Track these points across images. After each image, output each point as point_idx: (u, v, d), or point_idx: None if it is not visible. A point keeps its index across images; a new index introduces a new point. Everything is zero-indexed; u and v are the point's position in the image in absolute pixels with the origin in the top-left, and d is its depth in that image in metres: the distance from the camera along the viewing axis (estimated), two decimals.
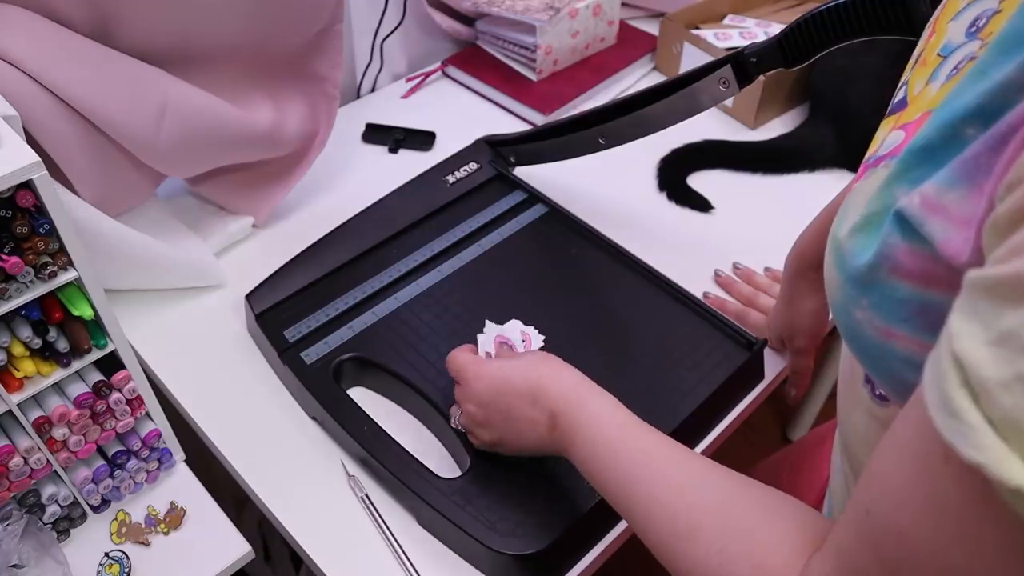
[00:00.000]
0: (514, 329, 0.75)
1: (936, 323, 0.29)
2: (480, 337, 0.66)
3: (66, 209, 0.51)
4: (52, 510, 0.62)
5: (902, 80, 0.42)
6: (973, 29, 0.37)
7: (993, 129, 0.28)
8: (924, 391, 0.27)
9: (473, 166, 0.91)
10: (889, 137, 0.38)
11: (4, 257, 0.49)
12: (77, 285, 0.55)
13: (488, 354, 0.66)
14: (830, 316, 0.74)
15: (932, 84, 0.38)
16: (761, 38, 0.76)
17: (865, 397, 0.43)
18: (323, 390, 0.70)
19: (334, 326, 0.76)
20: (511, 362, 0.59)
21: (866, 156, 0.40)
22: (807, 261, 0.70)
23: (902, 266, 0.32)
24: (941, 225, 0.29)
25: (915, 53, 0.43)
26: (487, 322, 0.68)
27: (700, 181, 0.98)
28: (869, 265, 0.33)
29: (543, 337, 0.74)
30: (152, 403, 0.65)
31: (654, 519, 0.45)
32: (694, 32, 1.12)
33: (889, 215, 0.33)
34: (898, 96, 0.41)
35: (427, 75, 1.15)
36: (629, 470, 0.48)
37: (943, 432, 0.25)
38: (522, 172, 0.94)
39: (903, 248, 0.31)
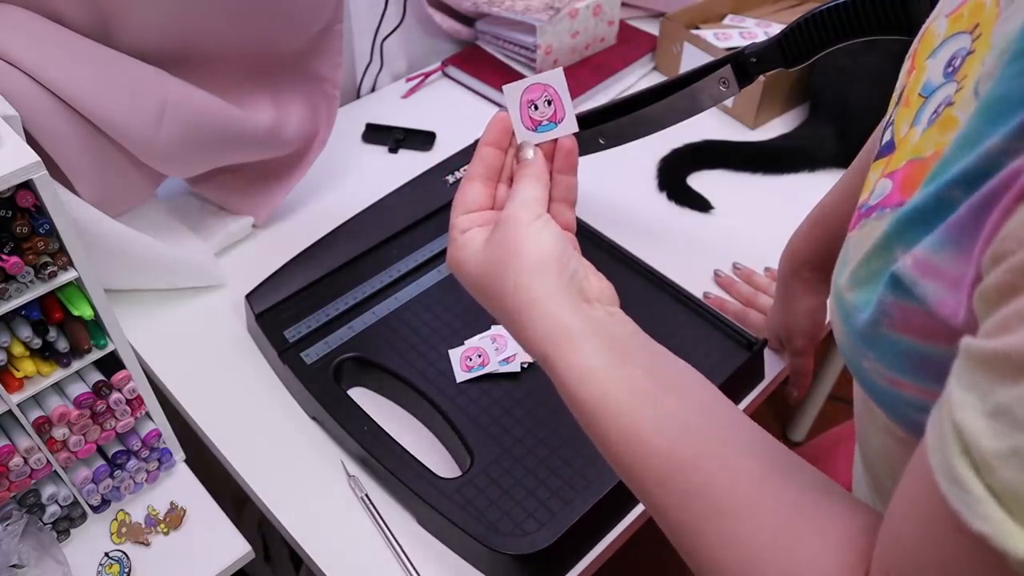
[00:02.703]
0: None
1: (940, 373, 0.29)
2: (507, 91, 0.47)
3: (66, 209, 0.51)
4: (52, 510, 0.62)
5: (888, 119, 0.42)
6: (950, 70, 0.36)
7: (978, 193, 0.28)
8: (929, 455, 0.27)
9: None
10: (879, 185, 0.38)
11: (4, 257, 0.49)
12: (77, 285, 0.55)
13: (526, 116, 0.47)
14: (827, 318, 0.74)
15: (916, 127, 0.37)
16: (761, 38, 0.76)
17: (881, 416, 0.42)
18: (323, 390, 0.70)
19: (334, 326, 0.76)
20: (491, 275, 0.45)
21: (859, 203, 0.40)
22: (800, 261, 0.70)
23: (899, 322, 0.32)
24: (933, 287, 0.30)
25: (898, 88, 0.42)
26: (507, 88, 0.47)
27: (700, 181, 0.98)
28: (869, 322, 0.33)
29: None
30: (152, 403, 0.65)
31: (658, 504, 0.39)
32: (694, 32, 1.12)
33: (885, 271, 0.33)
34: (885, 138, 0.41)
35: (427, 75, 1.15)
36: (619, 452, 0.40)
37: (949, 499, 0.25)
38: None
39: (897, 306, 0.32)
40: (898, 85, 0.42)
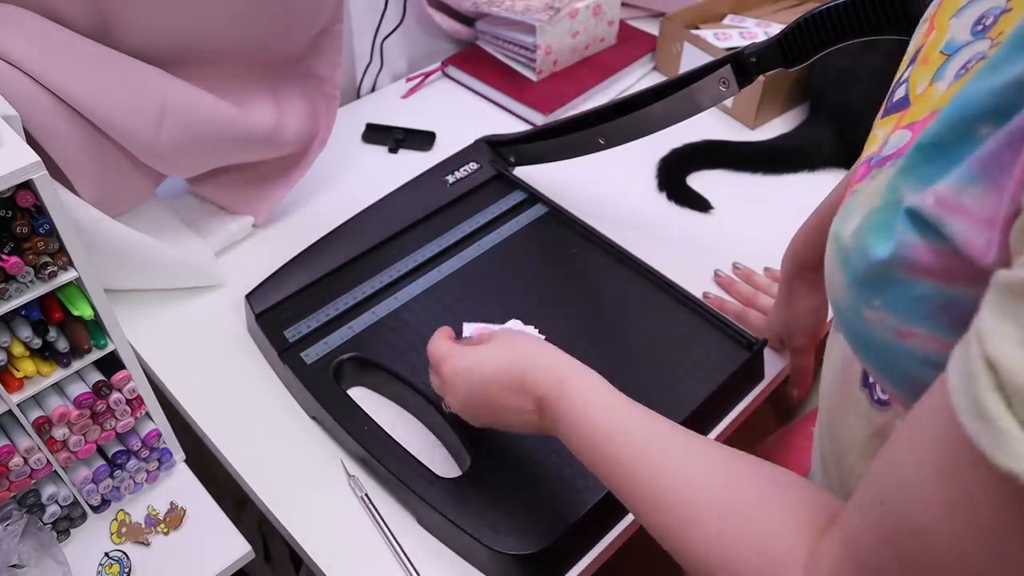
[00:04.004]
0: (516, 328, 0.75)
1: (959, 320, 0.29)
2: (465, 327, 0.64)
3: (66, 209, 0.51)
4: (52, 510, 0.62)
5: (900, 78, 0.42)
6: (980, 28, 0.36)
7: (1010, 125, 0.27)
8: (951, 395, 0.26)
9: (473, 166, 0.91)
10: (894, 137, 0.38)
11: (4, 257, 0.49)
12: (77, 285, 0.55)
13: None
14: (830, 316, 0.74)
15: (938, 83, 0.37)
16: (761, 38, 0.76)
17: (862, 402, 0.42)
18: (323, 390, 0.70)
19: (334, 326, 0.76)
20: (489, 352, 0.56)
21: (866, 155, 0.40)
22: (802, 261, 0.70)
23: (921, 264, 0.31)
24: (961, 225, 0.29)
25: (911, 49, 0.42)
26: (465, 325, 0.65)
27: (700, 181, 0.98)
28: (883, 264, 0.33)
29: (543, 337, 0.74)
30: (152, 403, 0.65)
31: (650, 507, 0.44)
32: (694, 32, 1.12)
33: (899, 213, 0.32)
34: (897, 95, 0.41)
35: (427, 75, 1.15)
36: (619, 457, 0.46)
37: (975, 438, 0.25)
38: (522, 172, 0.94)
39: (921, 247, 0.31)
40: (911, 46, 0.42)
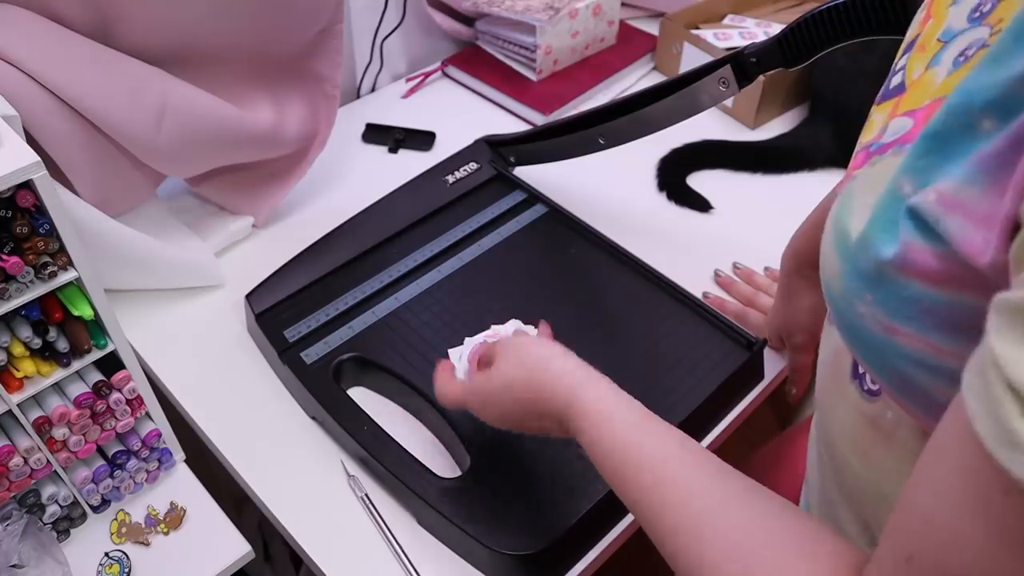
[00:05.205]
0: (514, 329, 0.75)
1: (945, 324, 0.28)
2: (452, 352, 0.64)
3: (66, 209, 0.51)
4: (52, 510, 0.62)
5: (897, 65, 0.42)
6: (977, 15, 0.36)
7: (1014, 125, 0.27)
8: (975, 426, 0.25)
9: (473, 166, 0.91)
10: (893, 123, 0.37)
11: (4, 257, 0.49)
12: (77, 285, 0.55)
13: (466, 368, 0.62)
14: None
15: (935, 69, 0.37)
16: (761, 38, 0.76)
17: (852, 393, 0.42)
18: (323, 390, 0.70)
19: (334, 326, 0.76)
20: (501, 383, 0.55)
21: (864, 142, 0.40)
22: (803, 258, 0.70)
23: (915, 265, 0.31)
24: (959, 223, 0.28)
25: (908, 37, 0.42)
26: (463, 341, 0.64)
27: (700, 181, 0.98)
28: (881, 261, 0.32)
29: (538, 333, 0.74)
30: (152, 403, 0.65)
31: (668, 542, 0.42)
32: (694, 32, 1.12)
33: (901, 207, 0.32)
34: (893, 81, 0.40)
35: (427, 75, 1.15)
36: (639, 485, 0.44)
37: (1009, 467, 0.24)
38: (522, 172, 0.94)
39: (919, 247, 0.30)
40: (908, 35, 0.42)
